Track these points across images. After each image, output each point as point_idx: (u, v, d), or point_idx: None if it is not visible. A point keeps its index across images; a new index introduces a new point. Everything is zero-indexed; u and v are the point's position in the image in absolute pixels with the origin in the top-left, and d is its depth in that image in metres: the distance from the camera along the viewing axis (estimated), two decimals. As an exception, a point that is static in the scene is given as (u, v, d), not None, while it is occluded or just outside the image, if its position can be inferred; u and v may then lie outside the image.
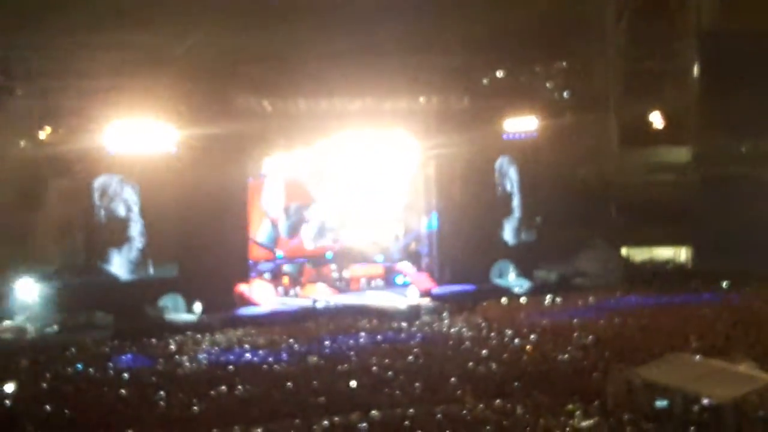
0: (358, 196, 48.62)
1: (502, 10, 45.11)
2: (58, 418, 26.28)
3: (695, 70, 50.01)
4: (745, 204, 46.31)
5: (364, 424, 24.32)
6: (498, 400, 25.84)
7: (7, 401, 27.69)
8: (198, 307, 41.35)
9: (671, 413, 24.09)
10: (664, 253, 50.72)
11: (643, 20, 49.30)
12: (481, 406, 25.42)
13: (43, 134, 41.76)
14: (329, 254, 48.23)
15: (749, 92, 45.89)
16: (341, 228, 48.74)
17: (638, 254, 50.83)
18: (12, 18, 38.89)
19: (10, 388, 28.47)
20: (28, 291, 39.79)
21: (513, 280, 48.22)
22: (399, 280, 48.46)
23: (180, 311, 41.61)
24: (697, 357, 27.47)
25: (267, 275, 46.68)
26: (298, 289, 46.89)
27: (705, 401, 23.67)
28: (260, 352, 33.99)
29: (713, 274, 43.88)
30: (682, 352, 28.56)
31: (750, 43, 46.62)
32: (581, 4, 48.16)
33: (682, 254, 50.55)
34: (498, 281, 48.25)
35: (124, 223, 41.88)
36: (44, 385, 29.70)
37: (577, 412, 24.22)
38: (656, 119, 51.26)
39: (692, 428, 23.16)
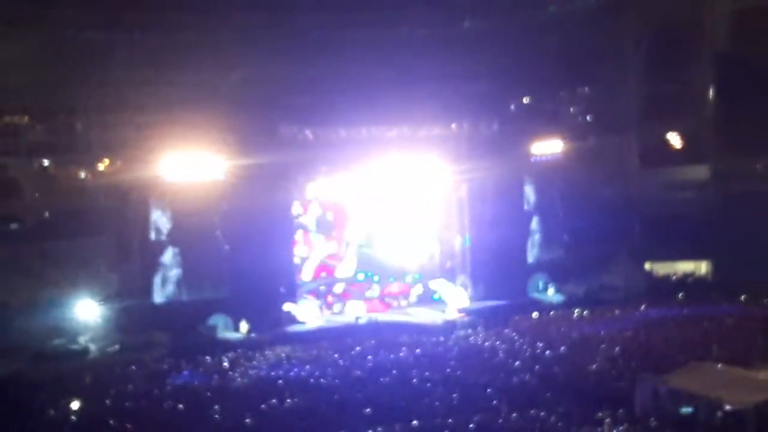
0: (395, 218, 50.48)
1: (527, 40, 46.84)
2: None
3: (711, 91, 51.01)
4: (762, 219, 46.53)
5: (406, 434, 25.29)
6: (531, 410, 26.47)
7: (73, 417, 28.89)
8: (244, 326, 43.24)
9: (696, 419, 24.79)
10: (685, 266, 51.41)
11: (661, 46, 50.13)
12: (515, 415, 26.03)
13: (102, 166, 44.39)
14: (370, 273, 50.00)
15: (764, 111, 46.18)
16: (380, 248, 50.50)
17: (661, 268, 51.63)
18: (72, 59, 41.27)
19: (75, 405, 29.83)
20: (90, 313, 41.97)
21: (550, 294, 49.69)
22: (436, 296, 50.04)
23: (230, 330, 43.37)
24: (720, 366, 27.87)
25: (312, 294, 48.36)
26: (341, 306, 48.57)
27: (727, 407, 24.19)
28: (308, 367, 34.76)
29: (733, 287, 44.17)
30: (705, 361, 28.97)
31: (763, 64, 47.07)
32: (603, 33, 49.15)
33: (702, 268, 51.23)
34: (535, 295, 49.61)
35: (177, 248, 43.99)
36: (107, 401, 30.69)
37: (607, 420, 24.89)
38: (675, 140, 52.49)
39: (716, 433, 23.90)
